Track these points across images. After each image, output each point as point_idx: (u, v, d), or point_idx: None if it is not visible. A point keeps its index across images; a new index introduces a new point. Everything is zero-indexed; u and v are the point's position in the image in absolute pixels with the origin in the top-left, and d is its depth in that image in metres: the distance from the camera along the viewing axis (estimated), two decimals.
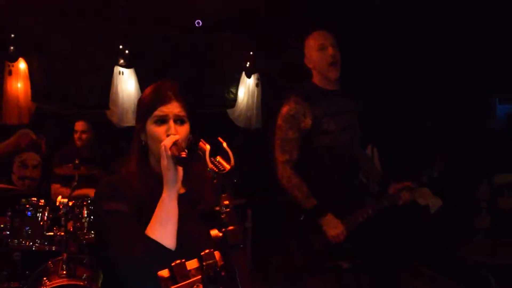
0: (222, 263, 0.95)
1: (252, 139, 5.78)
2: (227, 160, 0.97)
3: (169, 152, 1.31)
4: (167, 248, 1.28)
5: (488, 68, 4.52)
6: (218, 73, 5.53)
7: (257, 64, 5.61)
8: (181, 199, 1.44)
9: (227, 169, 0.93)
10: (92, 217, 3.32)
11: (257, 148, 5.77)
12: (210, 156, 0.97)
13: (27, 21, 4.55)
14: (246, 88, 5.65)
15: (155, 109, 1.44)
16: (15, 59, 4.62)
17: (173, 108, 1.45)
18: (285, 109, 2.50)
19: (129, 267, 1.30)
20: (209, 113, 5.48)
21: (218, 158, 0.96)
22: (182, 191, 1.51)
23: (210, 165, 0.93)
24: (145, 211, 1.38)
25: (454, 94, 4.64)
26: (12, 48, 4.59)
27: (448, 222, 4.87)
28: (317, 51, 2.50)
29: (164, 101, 1.44)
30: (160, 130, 1.43)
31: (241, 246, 0.86)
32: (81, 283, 3.01)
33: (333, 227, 2.43)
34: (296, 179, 2.46)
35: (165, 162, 1.32)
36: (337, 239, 2.44)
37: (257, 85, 5.65)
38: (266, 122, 5.69)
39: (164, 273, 1.13)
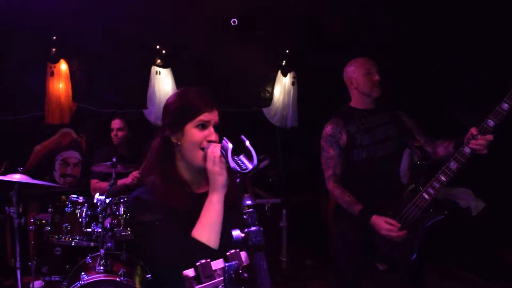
0: (246, 264, 0.92)
1: (289, 138, 5.75)
2: (250, 159, 0.94)
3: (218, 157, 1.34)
4: (212, 249, 1.32)
5: None
6: (254, 72, 5.51)
7: (293, 63, 5.56)
8: (203, 198, 1.46)
9: (249, 168, 0.90)
10: (128, 216, 3.38)
11: (293, 147, 5.74)
12: (234, 154, 0.95)
13: (67, 24, 4.68)
14: (282, 86, 5.60)
15: (200, 113, 1.48)
16: (56, 61, 4.77)
17: (215, 116, 1.51)
18: (325, 131, 2.76)
19: (176, 271, 1.32)
20: (245, 112, 5.49)
21: (241, 157, 0.93)
22: (205, 189, 1.52)
23: (233, 164, 0.91)
24: (174, 215, 1.42)
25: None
26: (54, 50, 4.74)
27: (492, 224, 4.67)
28: (363, 76, 2.74)
29: (209, 107, 1.49)
30: (201, 134, 1.48)
31: (263, 247, 0.83)
32: (118, 279, 3.06)
33: (381, 228, 2.52)
34: (338, 190, 2.65)
35: (217, 168, 1.34)
36: (392, 235, 2.50)
37: (293, 83, 5.60)
38: (302, 120, 5.64)
39: (190, 272, 1.12)
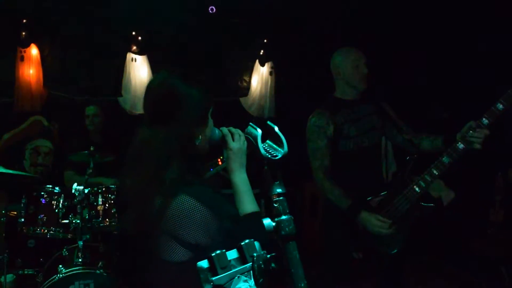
0: (269, 254, 0.89)
1: (265, 128, 5.72)
2: (280, 145, 0.90)
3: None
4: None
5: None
6: (231, 61, 5.44)
7: (271, 52, 5.51)
8: None
9: (279, 156, 0.86)
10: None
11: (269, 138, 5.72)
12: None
13: (39, 6, 4.48)
14: (260, 76, 5.55)
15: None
16: (27, 45, 4.54)
17: None
18: (310, 122, 2.71)
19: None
20: (222, 102, 5.41)
21: (268, 144, 0.90)
22: None
23: (263, 151, 0.87)
24: None
25: (471, 84, 4.54)
26: (24, 33, 4.52)
27: (462, 215, 4.80)
28: (352, 68, 2.71)
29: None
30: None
31: (295, 237, 0.80)
32: (97, 271, 2.98)
33: (371, 223, 2.50)
34: (327, 183, 2.62)
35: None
36: (382, 231, 2.49)
37: (270, 73, 5.56)
38: (279, 111, 5.61)
39: (204, 263, 1.08)
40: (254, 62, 5.54)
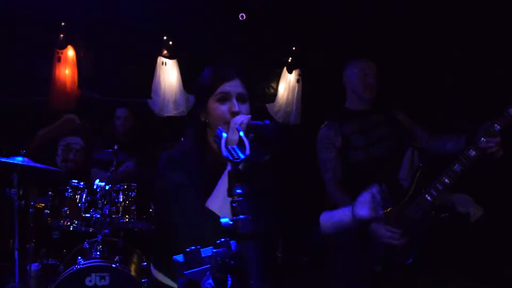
0: (235, 251, 0.94)
1: (291, 135, 5.75)
2: (243, 149, 0.97)
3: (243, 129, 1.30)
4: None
5: None
6: (259, 67, 5.52)
7: (298, 60, 5.56)
8: None
9: (241, 158, 0.92)
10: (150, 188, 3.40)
11: (295, 144, 5.74)
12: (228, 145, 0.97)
13: (76, 11, 4.70)
14: (287, 83, 5.61)
15: (217, 86, 1.43)
16: (64, 47, 4.80)
17: (236, 86, 1.45)
18: (320, 133, 2.74)
19: (189, 236, 1.29)
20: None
21: (236, 147, 0.96)
22: None
23: (225, 152, 0.93)
24: (200, 184, 1.37)
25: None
26: (61, 36, 4.77)
27: (490, 232, 4.67)
28: (358, 79, 2.73)
29: (227, 79, 1.44)
30: (223, 107, 1.42)
31: (253, 236, 0.85)
32: (113, 265, 3.09)
33: (381, 234, 2.46)
34: (339, 194, 2.61)
35: (236, 138, 1.28)
36: (393, 241, 2.46)
37: (298, 81, 5.61)
38: (304, 118, 5.64)
39: (179, 258, 1.14)
40: (282, 69, 5.60)
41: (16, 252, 3.26)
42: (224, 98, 1.43)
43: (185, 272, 1.11)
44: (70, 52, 4.86)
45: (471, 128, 2.46)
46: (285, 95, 5.58)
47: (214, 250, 0.93)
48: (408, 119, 2.86)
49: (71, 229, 3.42)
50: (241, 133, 1.04)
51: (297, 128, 5.62)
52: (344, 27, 5.07)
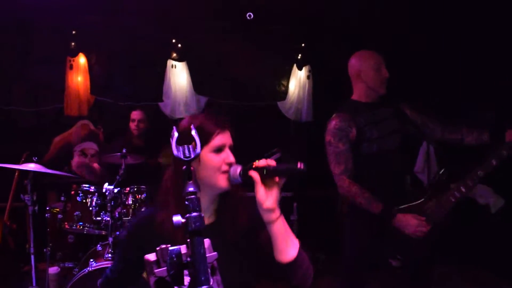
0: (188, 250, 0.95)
1: (303, 132, 5.73)
2: (195, 148, 0.98)
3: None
4: None
5: None
6: (269, 65, 5.52)
7: (308, 56, 5.53)
8: (209, 229, 1.45)
9: (192, 156, 0.93)
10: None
11: (307, 141, 5.72)
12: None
13: (86, 18, 4.81)
14: (297, 80, 5.59)
15: (212, 137, 1.46)
16: (75, 54, 4.91)
17: (228, 137, 1.49)
18: (331, 125, 2.65)
19: None
20: (259, 106, 5.50)
21: (187, 146, 0.97)
22: (211, 220, 1.54)
23: (176, 152, 0.94)
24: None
25: None
26: (73, 44, 4.88)
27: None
28: (373, 70, 2.68)
29: (221, 130, 1.47)
30: (219, 158, 1.45)
31: (203, 233, 0.86)
32: None
33: (408, 225, 2.52)
34: (355, 187, 2.58)
35: (262, 190, 1.35)
36: (420, 234, 2.52)
37: (308, 77, 5.57)
38: (316, 115, 5.61)
39: (151, 257, 1.16)
40: (292, 66, 5.58)
41: (33, 257, 3.35)
42: (220, 149, 1.47)
43: (155, 271, 1.12)
44: (82, 59, 4.97)
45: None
46: (296, 92, 5.56)
47: (170, 248, 0.94)
48: (417, 114, 2.83)
49: (84, 232, 3.51)
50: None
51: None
52: (354, 21, 5.04)
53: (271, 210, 1.37)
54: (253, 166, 1.36)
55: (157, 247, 1.29)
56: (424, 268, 2.77)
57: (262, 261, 1.48)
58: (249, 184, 1.39)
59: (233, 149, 1.50)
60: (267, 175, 1.33)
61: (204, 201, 1.47)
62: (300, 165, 1.25)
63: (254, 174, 1.35)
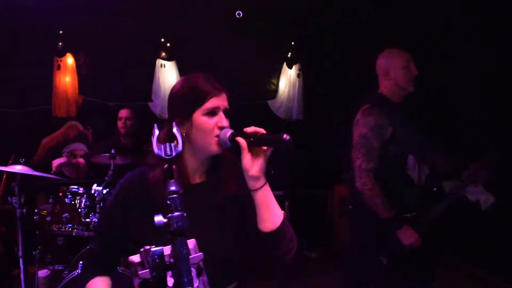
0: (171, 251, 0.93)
1: (293, 131, 5.72)
2: (176, 145, 0.96)
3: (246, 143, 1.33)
4: None
5: None
6: (259, 64, 5.50)
7: (298, 55, 5.52)
8: (199, 187, 1.47)
9: (173, 155, 0.92)
10: None
11: (297, 140, 5.72)
12: None
13: (73, 18, 4.76)
14: (287, 79, 5.58)
15: (206, 100, 1.43)
16: (63, 54, 4.86)
17: (223, 100, 1.46)
18: (371, 119, 2.63)
19: None
20: (250, 105, 5.48)
21: (169, 144, 0.95)
22: (201, 179, 1.52)
23: (156, 150, 0.93)
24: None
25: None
26: (60, 44, 4.83)
27: (503, 220, 4.57)
28: (402, 69, 2.69)
29: (216, 92, 1.44)
30: (212, 122, 1.43)
31: (186, 233, 0.85)
32: None
33: (408, 237, 2.58)
34: (377, 187, 2.59)
35: (248, 157, 1.34)
36: (412, 248, 2.59)
37: (298, 75, 5.57)
38: (307, 113, 5.61)
39: (135, 258, 1.14)
40: (282, 64, 5.57)
41: (21, 260, 3.31)
42: (213, 112, 1.43)
43: (139, 272, 1.10)
44: (70, 59, 4.92)
45: None
46: (286, 90, 5.55)
47: (152, 249, 0.92)
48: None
49: (73, 234, 3.46)
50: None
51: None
52: (344, 19, 5.03)
53: (255, 178, 1.35)
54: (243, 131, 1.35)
55: (147, 208, 1.30)
56: (428, 268, 2.82)
57: (244, 231, 1.46)
58: (238, 150, 1.38)
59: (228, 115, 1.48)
60: (253, 143, 1.32)
61: (195, 161, 1.50)
62: (286, 136, 1.22)
63: (241, 140, 1.33)
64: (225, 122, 1.44)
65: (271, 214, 1.39)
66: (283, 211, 1.44)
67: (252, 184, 1.37)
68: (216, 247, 1.37)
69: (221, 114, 1.44)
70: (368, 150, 2.60)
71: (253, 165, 1.34)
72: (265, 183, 1.37)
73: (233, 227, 1.48)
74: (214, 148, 1.43)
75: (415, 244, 2.57)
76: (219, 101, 1.44)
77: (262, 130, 1.33)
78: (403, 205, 2.64)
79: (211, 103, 1.42)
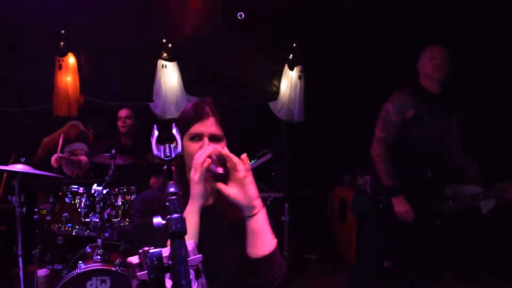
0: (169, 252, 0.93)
1: (294, 132, 5.73)
2: (176, 147, 0.96)
3: (204, 166, 1.33)
4: None
5: None
6: (260, 66, 5.50)
7: (299, 57, 5.52)
8: (208, 211, 1.45)
9: (172, 156, 0.92)
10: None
11: (299, 142, 5.72)
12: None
13: (75, 18, 4.76)
14: (289, 80, 5.58)
15: (190, 125, 1.47)
16: (64, 54, 4.86)
17: (209, 126, 1.47)
18: (396, 97, 2.92)
19: None
20: (251, 106, 5.49)
21: (169, 145, 0.95)
22: (211, 201, 1.52)
23: (156, 152, 0.93)
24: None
25: None
26: (62, 43, 4.83)
27: (503, 224, 4.56)
28: (428, 60, 2.93)
29: (201, 119, 1.47)
30: (194, 146, 1.46)
31: (184, 235, 0.85)
32: (113, 268, 3.10)
33: (400, 205, 2.76)
34: (387, 157, 2.84)
35: (196, 176, 1.33)
36: (403, 216, 2.76)
37: (299, 77, 5.57)
38: (308, 115, 5.61)
39: (134, 259, 1.13)
40: (283, 66, 5.57)
41: (20, 259, 3.31)
42: (197, 137, 1.47)
43: (137, 274, 1.10)
44: (71, 59, 4.92)
45: None
46: (287, 92, 5.55)
47: (150, 251, 0.92)
48: (457, 132, 3.04)
49: (73, 234, 3.46)
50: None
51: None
52: (344, 22, 5.02)
53: (247, 207, 1.35)
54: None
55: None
56: (433, 267, 2.95)
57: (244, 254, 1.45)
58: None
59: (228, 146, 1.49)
60: (219, 180, 1.36)
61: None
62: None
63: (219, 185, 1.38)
64: (207, 146, 1.44)
65: (259, 242, 1.38)
66: (275, 239, 1.42)
67: (245, 212, 1.37)
68: (229, 269, 1.40)
69: (205, 140, 1.46)
70: (386, 122, 2.89)
71: (242, 195, 1.35)
72: (257, 213, 1.37)
73: (233, 249, 1.48)
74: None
75: (405, 214, 2.74)
76: (203, 127, 1.47)
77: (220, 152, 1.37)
78: (407, 183, 2.81)
79: (194, 129, 1.47)
